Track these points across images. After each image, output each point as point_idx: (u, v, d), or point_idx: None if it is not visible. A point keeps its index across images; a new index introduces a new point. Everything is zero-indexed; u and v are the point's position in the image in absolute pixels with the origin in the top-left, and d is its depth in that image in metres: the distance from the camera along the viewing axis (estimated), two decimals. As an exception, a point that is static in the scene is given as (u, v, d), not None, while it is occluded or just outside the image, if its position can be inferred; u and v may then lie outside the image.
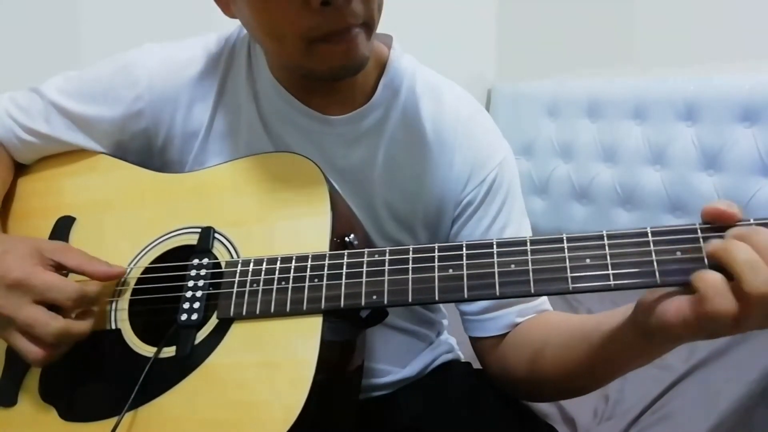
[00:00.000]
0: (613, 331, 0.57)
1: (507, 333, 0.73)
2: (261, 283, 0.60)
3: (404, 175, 0.74)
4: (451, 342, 0.89)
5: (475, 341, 0.77)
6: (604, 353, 0.60)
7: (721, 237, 0.47)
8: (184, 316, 0.61)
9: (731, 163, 1.58)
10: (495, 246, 0.54)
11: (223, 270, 0.62)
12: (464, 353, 0.89)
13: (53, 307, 0.60)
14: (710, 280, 0.46)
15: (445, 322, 0.89)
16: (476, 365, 0.86)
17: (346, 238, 0.63)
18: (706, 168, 1.63)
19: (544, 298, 0.75)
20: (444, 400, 0.78)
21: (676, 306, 0.48)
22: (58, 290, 0.59)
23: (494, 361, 0.75)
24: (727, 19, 1.65)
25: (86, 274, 0.64)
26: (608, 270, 0.50)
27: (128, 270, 0.67)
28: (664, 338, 0.51)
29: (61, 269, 0.63)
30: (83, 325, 0.61)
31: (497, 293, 0.53)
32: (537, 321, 0.72)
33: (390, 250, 0.58)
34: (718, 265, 0.46)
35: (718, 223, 0.48)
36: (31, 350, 0.59)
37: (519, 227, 0.76)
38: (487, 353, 0.76)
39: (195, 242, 0.65)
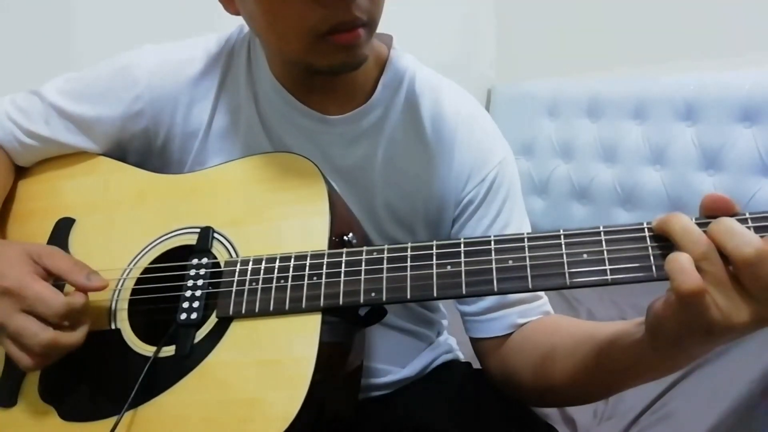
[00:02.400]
0: (623, 339, 0.56)
1: (509, 334, 0.72)
2: (260, 282, 0.60)
3: (404, 174, 0.74)
4: (451, 342, 0.89)
5: (476, 342, 0.76)
6: (613, 362, 0.58)
7: None
8: (183, 316, 0.61)
9: (731, 163, 1.58)
10: (493, 242, 0.55)
11: (222, 269, 0.62)
12: (464, 353, 0.89)
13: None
14: (672, 258, 0.46)
15: (444, 322, 0.89)
16: (476, 365, 0.86)
17: (345, 237, 0.63)
18: (706, 168, 1.63)
19: (545, 299, 0.74)
20: (444, 400, 0.78)
21: (665, 296, 0.48)
22: (43, 304, 0.58)
23: (496, 363, 0.74)
24: (727, 19, 1.65)
25: (67, 282, 0.62)
26: (605, 265, 0.50)
27: (127, 270, 0.67)
28: (664, 339, 0.50)
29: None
30: (73, 337, 0.60)
31: (495, 289, 0.53)
32: (543, 324, 0.71)
33: (388, 247, 0.58)
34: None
35: (717, 212, 0.48)
36: (21, 357, 0.59)
37: (520, 227, 0.76)
38: (488, 355, 0.75)
39: (194, 242, 0.65)
